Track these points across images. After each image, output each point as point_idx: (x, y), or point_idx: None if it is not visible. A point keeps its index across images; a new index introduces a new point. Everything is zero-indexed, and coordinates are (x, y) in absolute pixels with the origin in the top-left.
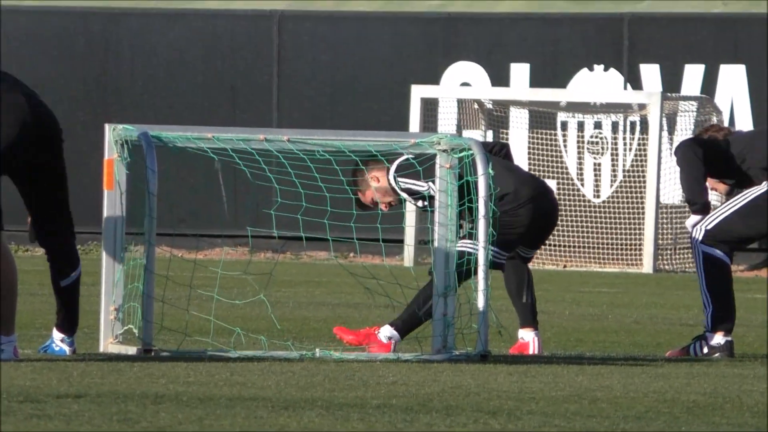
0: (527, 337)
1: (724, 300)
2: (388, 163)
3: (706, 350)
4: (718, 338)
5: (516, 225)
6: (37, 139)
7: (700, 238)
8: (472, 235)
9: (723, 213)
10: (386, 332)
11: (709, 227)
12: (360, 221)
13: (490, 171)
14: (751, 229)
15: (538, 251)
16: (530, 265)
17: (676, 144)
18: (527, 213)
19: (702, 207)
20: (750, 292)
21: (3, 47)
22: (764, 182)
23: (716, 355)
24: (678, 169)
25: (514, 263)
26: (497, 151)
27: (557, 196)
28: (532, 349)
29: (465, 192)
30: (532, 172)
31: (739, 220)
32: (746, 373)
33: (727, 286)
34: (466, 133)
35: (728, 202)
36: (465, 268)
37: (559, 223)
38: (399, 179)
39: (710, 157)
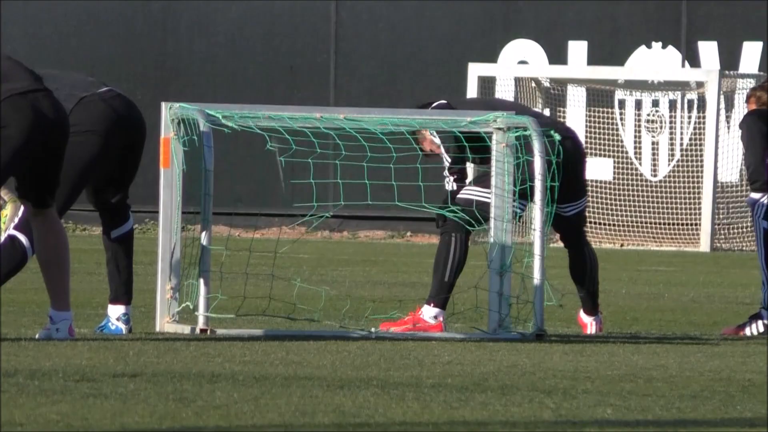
0: (586, 320)
1: None
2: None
3: (762, 328)
4: None
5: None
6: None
7: (762, 214)
8: (480, 181)
9: None
10: (429, 313)
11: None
12: (415, 200)
13: (556, 136)
14: None
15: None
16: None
17: (737, 120)
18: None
19: (763, 185)
20: None
21: (63, 28)
22: None
23: None
24: (740, 145)
25: (577, 252)
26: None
27: (615, 175)
28: (590, 330)
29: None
30: (556, 119)
31: None
32: None
33: None
34: None
35: None
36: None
37: (616, 200)
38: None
39: None
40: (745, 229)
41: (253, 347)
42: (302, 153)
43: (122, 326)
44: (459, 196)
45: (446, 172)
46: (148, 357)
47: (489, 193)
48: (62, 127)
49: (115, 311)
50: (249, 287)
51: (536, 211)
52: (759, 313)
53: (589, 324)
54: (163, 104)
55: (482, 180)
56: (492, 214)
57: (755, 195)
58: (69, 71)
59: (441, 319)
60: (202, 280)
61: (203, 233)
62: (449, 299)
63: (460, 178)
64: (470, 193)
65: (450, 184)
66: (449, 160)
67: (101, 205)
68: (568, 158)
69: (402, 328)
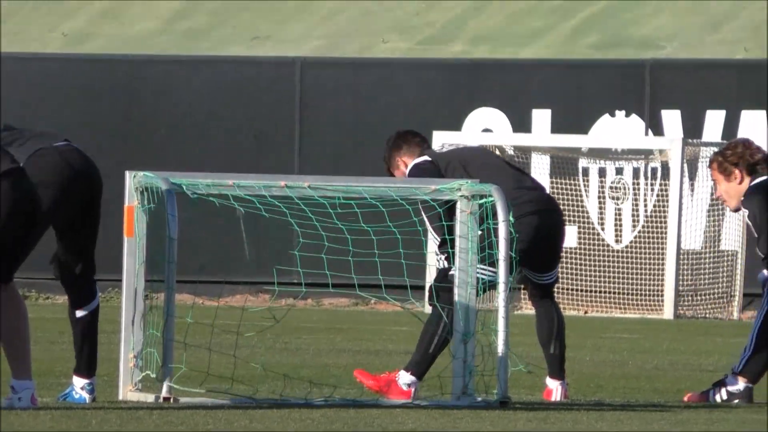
0: (552, 385)
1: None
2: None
3: (725, 396)
4: (740, 383)
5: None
6: (79, 191)
7: None
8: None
9: None
10: (406, 379)
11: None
12: (383, 268)
13: (511, 219)
14: None
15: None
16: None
17: (700, 187)
18: (528, 228)
19: None
20: None
21: (27, 95)
22: None
23: (735, 401)
24: (703, 211)
25: (545, 310)
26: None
27: (579, 242)
28: (555, 396)
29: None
30: (540, 186)
31: None
32: (765, 419)
33: None
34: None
35: None
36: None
37: (580, 268)
38: (411, 173)
39: None
40: (708, 296)
41: (216, 415)
42: (268, 221)
43: (86, 395)
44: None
45: (437, 250)
46: (111, 425)
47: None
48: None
49: (80, 381)
50: (213, 356)
51: (500, 275)
52: (723, 380)
53: (554, 389)
54: (127, 173)
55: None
56: (456, 281)
57: (766, 272)
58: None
59: (413, 389)
60: (165, 349)
61: (166, 301)
62: (427, 371)
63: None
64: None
65: (441, 262)
66: (438, 239)
67: (67, 279)
68: (551, 229)
69: (372, 383)
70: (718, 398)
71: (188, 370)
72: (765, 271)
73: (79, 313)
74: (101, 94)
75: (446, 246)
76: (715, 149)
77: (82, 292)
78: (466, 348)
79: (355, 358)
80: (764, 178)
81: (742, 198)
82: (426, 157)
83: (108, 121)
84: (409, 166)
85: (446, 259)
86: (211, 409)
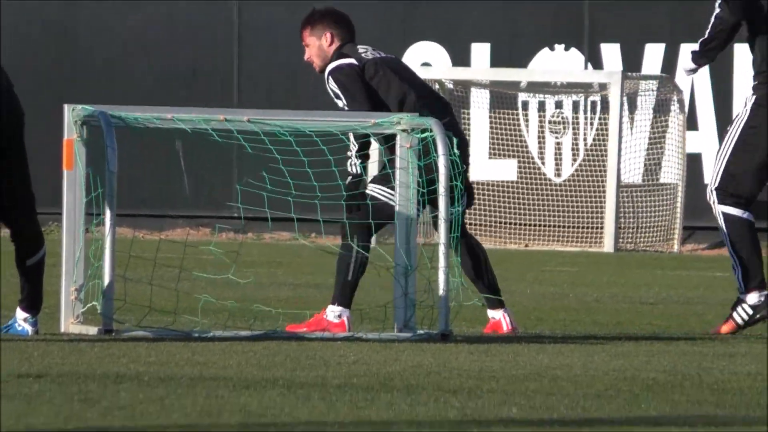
0: (497, 315)
1: (749, 257)
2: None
3: (751, 312)
4: (754, 296)
5: None
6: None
7: (716, 199)
8: (387, 179)
9: (720, 163)
10: (334, 312)
11: (716, 185)
12: (324, 204)
13: (456, 151)
14: (752, 163)
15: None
16: (490, 245)
17: (640, 121)
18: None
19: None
20: (711, 270)
21: None
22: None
23: (759, 314)
24: (644, 144)
25: (467, 244)
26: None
27: (519, 176)
28: (505, 326)
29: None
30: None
31: (735, 161)
32: (705, 351)
33: (750, 242)
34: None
35: (720, 150)
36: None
37: (520, 202)
38: (336, 77)
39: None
40: (649, 230)
41: (158, 348)
42: (206, 154)
43: (29, 328)
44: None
45: (351, 154)
46: (53, 358)
47: (393, 194)
48: None
49: (22, 314)
50: (155, 290)
51: (441, 206)
52: (739, 299)
53: (501, 318)
54: (65, 106)
55: (386, 178)
56: (396, 215)
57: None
58: None
59: (345, 317)
60: (106, 281)
61: (107, 234)
62: (352, 298)
63: (363, 159)
64: (375, 191)
65: (353, 167)
66: (356, 144)
67: (11, 228)
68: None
69: (305, 329)
70: (744, 316)
71: (130, 303)
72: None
73: (29, 262)
74: (38, 31)
75: (364, 151)
76: (655, 83)
77: (30, 239)
78: (407, 281)
79: (296, 291)
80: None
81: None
82: (352, 61)
83: (45, 57)
84: (332, 65)
85: (361, 164)
86: (152, 342)
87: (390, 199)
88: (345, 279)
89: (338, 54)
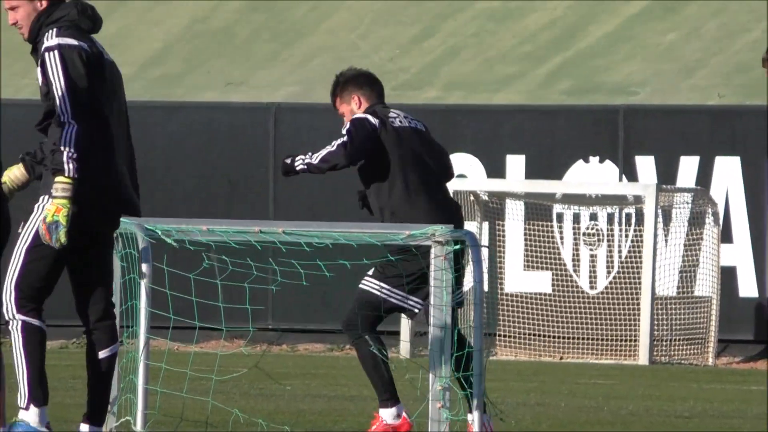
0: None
1: None
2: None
3: None
4: None
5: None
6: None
7: None
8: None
9: None
10: (388, 414)
11: None
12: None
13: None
14: None
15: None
16: (524, 357)
17: (674, 234)
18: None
19: None
20: (746, 384)
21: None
22: None
23: None
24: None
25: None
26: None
27: (553, 288)
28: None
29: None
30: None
31: None
32: None
33: None
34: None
35: None
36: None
37: (555, 314)
38: (353, 120)
39: None
40: (683, 342)
41: None
42: (239, 271)
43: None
44: (362, 287)
45: (309, 159)
46: None
47: (396, 293)
48: None
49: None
50: (187, 402)
51: (475, 318)
52: None
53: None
54: None
55: (390, 274)
56: (431, 323)
57: None
58: None
59: (403, 413)
60: (140, 395)
61: (141, 347)
62: (395, 392)
63: (363, 199)
64: (375, 288)
65: (299, 164)
66: (322, 169)
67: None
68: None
69: None
70: None
71: (162, 416)
72: None
73: (102, 354)
74: None
75: (323, 167)
76: (690, 195)
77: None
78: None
79: (330, 404)
80: None
81: None
82: (370, 118)
83: None
84: (355, 115)
85: (305, 163)
86: None
87: (395, 300)
88: (382, 378)
89: (371, 112)
